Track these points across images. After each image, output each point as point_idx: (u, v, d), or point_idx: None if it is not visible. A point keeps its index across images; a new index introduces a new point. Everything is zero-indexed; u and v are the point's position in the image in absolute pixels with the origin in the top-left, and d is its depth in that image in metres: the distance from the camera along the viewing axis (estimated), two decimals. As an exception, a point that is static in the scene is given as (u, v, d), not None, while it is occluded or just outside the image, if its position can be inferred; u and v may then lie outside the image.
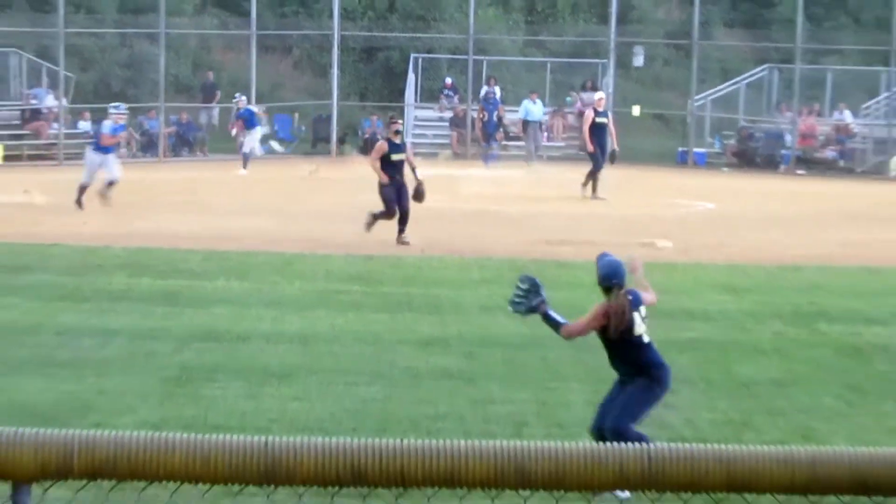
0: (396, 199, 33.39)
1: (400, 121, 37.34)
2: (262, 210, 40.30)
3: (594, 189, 44.32)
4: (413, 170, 33.93)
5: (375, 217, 33.58)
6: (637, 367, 15.73)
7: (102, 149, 39.92)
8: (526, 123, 59.94)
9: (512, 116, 61.55)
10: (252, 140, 52.98)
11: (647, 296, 16.00)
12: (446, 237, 33.73)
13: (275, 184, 48.54)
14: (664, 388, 15.74)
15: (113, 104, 42.69)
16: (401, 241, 33.37)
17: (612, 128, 45.67)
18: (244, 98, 54.36)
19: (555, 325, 16.26)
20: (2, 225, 35.72)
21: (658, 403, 15.82)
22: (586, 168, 45.09)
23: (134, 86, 62.14)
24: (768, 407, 18.77)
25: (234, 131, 55.29)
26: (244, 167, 52.29)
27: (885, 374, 21.08)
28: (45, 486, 5.39)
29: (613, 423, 15.51)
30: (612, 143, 45.44)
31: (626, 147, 58.55)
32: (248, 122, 52.87)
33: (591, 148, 44.89)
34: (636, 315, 15.61)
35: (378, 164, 33.44)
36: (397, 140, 34.29)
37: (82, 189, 39.50)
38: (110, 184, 39.68)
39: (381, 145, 34.42)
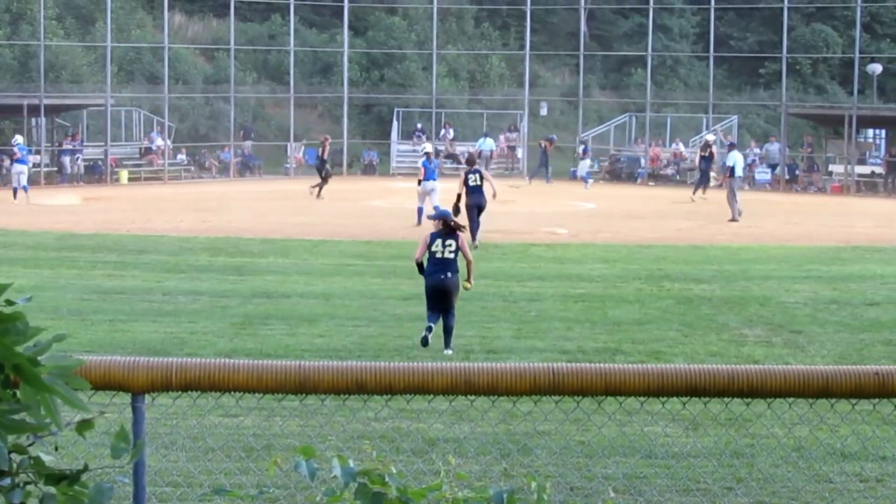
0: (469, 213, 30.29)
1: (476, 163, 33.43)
2: (297, 211, 40.21)
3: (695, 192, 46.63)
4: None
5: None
6: None
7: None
8: (480, 152, 59.91)
9: (465, 148, 61.39)
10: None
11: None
12: (422, 228, 33.67)
13: (303, 194, 48.38)
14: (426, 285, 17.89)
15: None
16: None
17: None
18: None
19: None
20: (129, 223, 35.62)
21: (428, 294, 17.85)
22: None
23: (214, 130, 62.00)
24: (632, 338, 18.77)
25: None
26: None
27: (708, 316, 21.10)
28: (154, 396, 5.34)
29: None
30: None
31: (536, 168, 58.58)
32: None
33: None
34: (438, 241, 17.80)
35: (463, 189, 30.62)
36: (472, 176, 31.27)
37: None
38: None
39: (461, 175, 31.98)
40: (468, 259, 18.11)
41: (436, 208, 18.22)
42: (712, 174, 49.12)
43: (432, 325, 17.63)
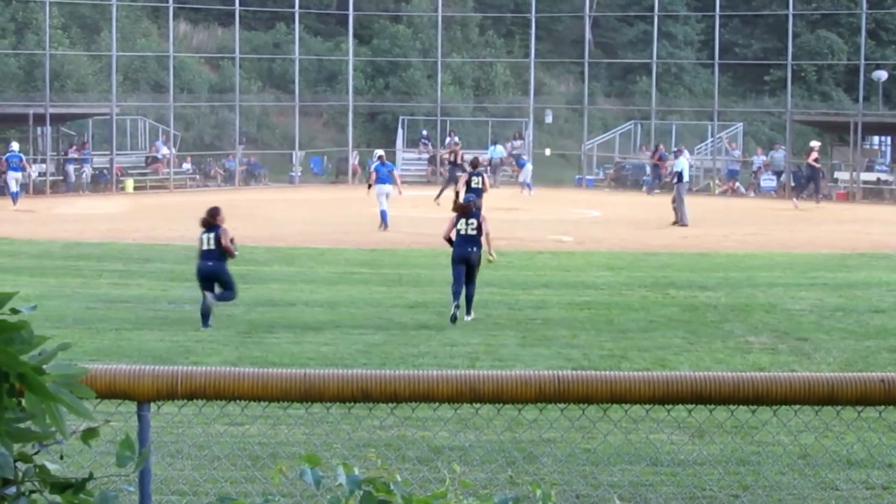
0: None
1: (480, 166, 37.07)
2: (302, 220, 40.21)
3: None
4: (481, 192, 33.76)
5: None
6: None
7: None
8: (490, 159, 59.93)
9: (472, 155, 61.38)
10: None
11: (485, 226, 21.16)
12: (425, 235, 33.64)
13: (308, 202, 48.37)
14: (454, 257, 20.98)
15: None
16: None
17: None
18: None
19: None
20: (134, 232, 35.65)
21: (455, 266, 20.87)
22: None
23: (219, 139, 62.08)
24: (638, 345, 18.76)
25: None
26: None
27: (714, 323, 21.09)
28: (159, 404, 5.34)
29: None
30: None
31: (541, 175, 58.53)
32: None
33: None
34: (462, 220, 20.99)
35: (463, 189, 33.74)
36: (475, 178, 34.88)
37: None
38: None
39: (464, 176, 36.02)
40: (486, 232, 21.06)
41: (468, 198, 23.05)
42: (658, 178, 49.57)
43: (458, 303, 20.36)
